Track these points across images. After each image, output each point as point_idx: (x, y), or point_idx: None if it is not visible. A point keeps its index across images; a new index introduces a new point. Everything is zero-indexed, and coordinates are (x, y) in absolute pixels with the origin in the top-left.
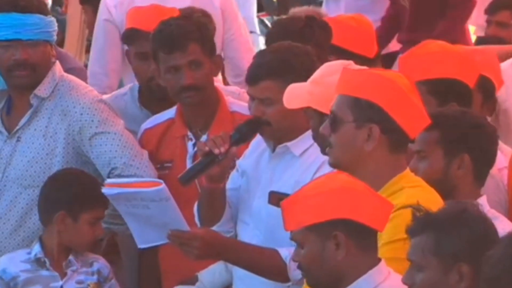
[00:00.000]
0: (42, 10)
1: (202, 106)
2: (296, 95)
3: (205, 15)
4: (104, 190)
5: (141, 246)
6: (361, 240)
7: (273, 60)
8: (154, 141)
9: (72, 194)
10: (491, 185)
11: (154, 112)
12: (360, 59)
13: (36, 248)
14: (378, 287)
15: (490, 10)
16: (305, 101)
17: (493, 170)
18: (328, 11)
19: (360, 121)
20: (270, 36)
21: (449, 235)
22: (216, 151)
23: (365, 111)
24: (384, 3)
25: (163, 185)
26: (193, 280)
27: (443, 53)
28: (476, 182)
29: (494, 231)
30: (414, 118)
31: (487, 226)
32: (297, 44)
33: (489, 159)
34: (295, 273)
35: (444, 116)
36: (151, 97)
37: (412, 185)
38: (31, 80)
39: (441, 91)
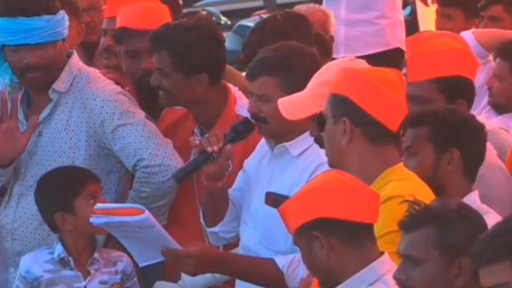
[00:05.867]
0: (50, 9)
1: (192, 108)
2: (298, 104)
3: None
4: (92, 219)
5: (141, 265)
6: (345, 235)
7: (273, 57)
8: (169, 123)
9: (53, 194)
10: (500, 178)
11: (146, 113)
12: None
13: (59, 248)
14: (381, 279)
15: (482, 6)
16: (316, 107)
17: (501, 164)
18: (328, 7)
19: (337, 117)
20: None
21: (453, 228)
22: (209, 149)
23: (339, 106)
24: None
25: (146, 214)
26: (177, 277)
27: (449, 50)
28: (466, 178)
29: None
30: (388, 109)
31: (484, 221)
32: (302, 44)
33: (479, 155)
34: (293, 282)
35: (433, 112)
36: (143, 97)
37: (400, 177)
38: (45, 79)
39: (451, 88)
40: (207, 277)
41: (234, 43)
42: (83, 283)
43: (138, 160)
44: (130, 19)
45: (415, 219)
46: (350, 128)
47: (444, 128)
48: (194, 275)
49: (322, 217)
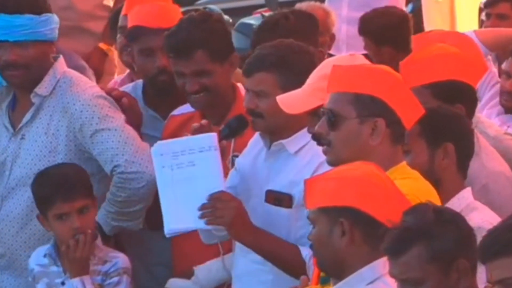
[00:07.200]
0: (34, 9)
1: (214, 107)
2: (298, 98)
3: (220, 19)
4: (154, 146)
5: (169, 230)
6: (369, 232)
7: (270, 54)
8: (173, 128)
9: (34, 197)
10: (506, 186)
11: (160, 111)
12: None
13: (49, 245)
14: (381, 278)
15: (489, 3)
16: (316, 101)
17: (507, 171)
18: (330, 5)
19: (364, 116)
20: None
21: (439, 237)
22: None
23: (368, 106)
24: None
25: (215, 133)
26: (190, 274)
27: (444, 55)
28: (460, 173)
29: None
30: (411, 108)
31: (463, 216)
32: (300, 43)
33: (469, 149)
34: (310, 273)
35: None
36: (156, 96)
37: (403, 176)
38: (27, 79)
39: (447, 93)
40: (221, 272)
41: (236, 41)
42: (62, 279)
43: (115, 166)
44: (144, 18)
45: (399, 242)
46: (383, 129)
47: (434, 123)
48: (230, 225)
49: (356, 208)
